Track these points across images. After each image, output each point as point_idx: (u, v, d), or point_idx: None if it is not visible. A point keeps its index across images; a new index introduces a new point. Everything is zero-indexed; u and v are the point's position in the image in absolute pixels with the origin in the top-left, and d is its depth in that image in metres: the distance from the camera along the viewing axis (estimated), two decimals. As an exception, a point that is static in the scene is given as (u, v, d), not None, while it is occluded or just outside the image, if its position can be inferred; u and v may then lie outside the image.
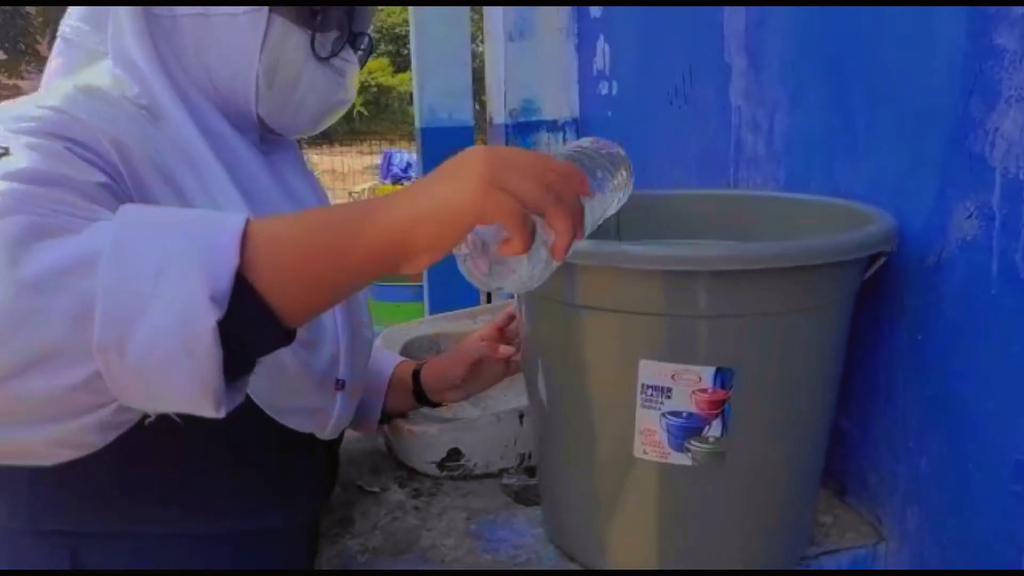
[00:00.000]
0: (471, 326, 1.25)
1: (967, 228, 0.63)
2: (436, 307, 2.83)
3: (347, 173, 12.27)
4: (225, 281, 0.41)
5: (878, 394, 0.74)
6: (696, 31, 1.04)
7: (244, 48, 0.64)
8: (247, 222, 0.43)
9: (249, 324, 0.42)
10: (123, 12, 0.63)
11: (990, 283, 0.61)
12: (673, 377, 0.60)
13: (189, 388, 0.41)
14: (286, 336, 0.46)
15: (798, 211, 0.78)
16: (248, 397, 0.63)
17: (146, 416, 0.45)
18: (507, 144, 1.51)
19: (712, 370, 0.59)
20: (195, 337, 0.40)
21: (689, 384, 0.60)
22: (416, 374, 0.86)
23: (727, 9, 0.96)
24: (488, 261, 0.48)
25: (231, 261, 0.41)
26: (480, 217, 0.44)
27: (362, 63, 0.76)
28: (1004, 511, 0.61)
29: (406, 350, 1.19)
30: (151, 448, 0.54)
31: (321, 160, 12.12)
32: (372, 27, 0.78)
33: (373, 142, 13.79)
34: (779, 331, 0.60)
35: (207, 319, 0.40)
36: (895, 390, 0.72)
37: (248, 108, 0.66)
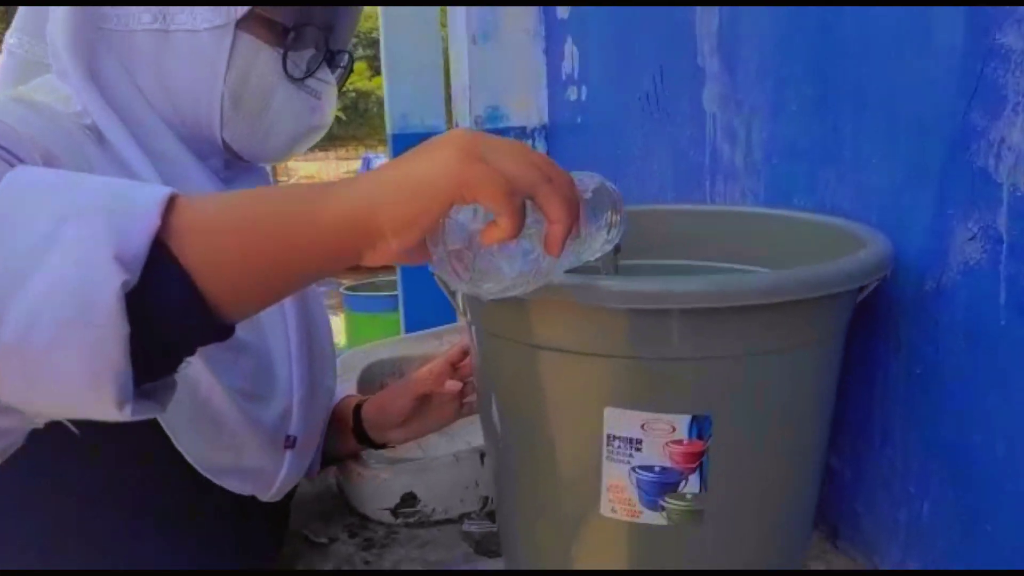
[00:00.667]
0: (439, 348, 1.17)
1: (970, 251, 0.56)
2: (413, 320, 2.73)
3: (326, 179, 12.13)
4: (137, 242, 0.32)
5: (873, 432, 0.66)
6: (667, 31, 0.97)
7: (207, 67, 0.58)
8: (174, 193, 0.35)
9: (169, 305, 0.34)
10: (57, 26, 0.56)
11: (997, 313, 0.54)
12: (643, 427, 0.52)
13: (84, 369, 0.32)
14: (219, 331, 0.37)
15: (780, 229, 0.71)
16: (178, 454, 0.55)
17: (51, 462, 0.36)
18: (473, 153, 1.44)
19: (687, 419, 0.52)
20: (93, 302, 0.31)
21: (661, 435, 0.52)
22: (358, 410, 0.78)
23: (699, 7, 0.89)
24: (468, 256, 0.41)
25: (148, 221, 0.33)
26: (459, 190, 0.37)
27: (341, 83, 0.70)
28: (1017, 566, 0.54)
29: (366, 376, 1.11)
30: (64, 511, 0.47)
31: (299, 166, 11.97)
32: (351, 44, 0.71)
33: (352, 147, 13.67)
34: (762, 372, 0.52)
35: (110, 280, 0.31)
36: (892, 429, 0.65)
37: (212, 132, 0.60)
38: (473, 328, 0.62)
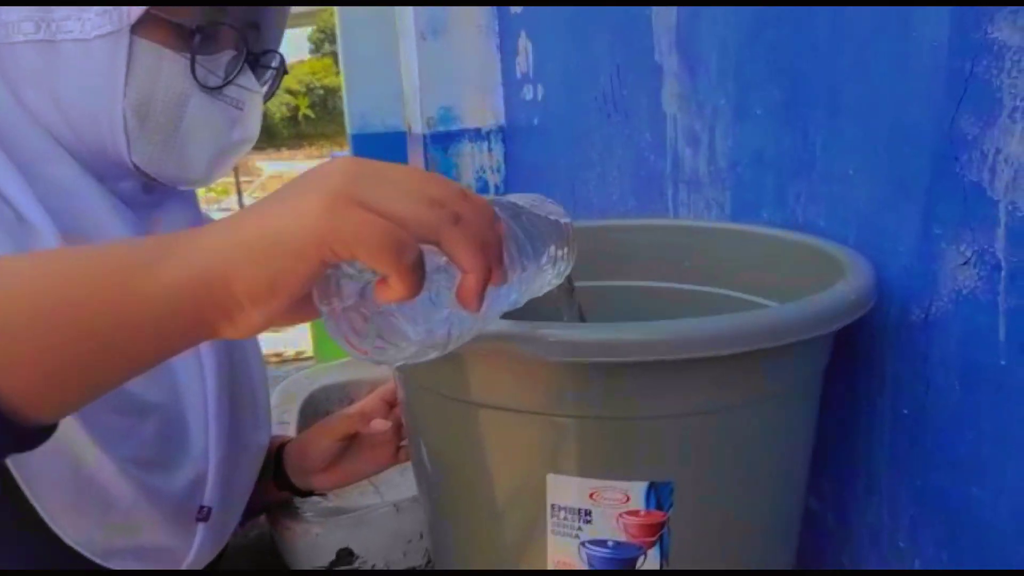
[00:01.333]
0: (392, 373, 1.09)
1: (963, 278, 0.49)
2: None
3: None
4: None
5: (856, 480, 0.59)
6: (623, 25, 0.89)
7: (103, 80, 0.50)
8: None
9: None
10: None
11: (996, 351, 0.47)
12: (592, 496, 0.45)
13: None
14: (23, 435, 0.29)
15: (747, 249, 0.64)
16: (55, 536, 0.47)
17: None
18: (425, 158, 1.35)
19: (644, 486, 0.44)
20: None
21: (614, 505, 0.45)
22: (281, 452, 0.70)
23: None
24: (367, 318, 0.33)
25: None
26: (327, 245, 0.29)
27: (271, 90, 0.61)
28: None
29: (309, 405, 1.02)
30: None
31: (267, 165, 11.75)
32: (280, 44, 0.62)
33: (321, 145, 13.46)
34: (730, 430, 0.45)
35: None
36: (877, 476, 0.58)
37: (118, 154, 0.52)
38: (398, 375, 0.53)
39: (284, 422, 0.95)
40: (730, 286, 0.66)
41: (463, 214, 0.31)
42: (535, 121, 1.25)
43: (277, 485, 0.69)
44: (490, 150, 1.38)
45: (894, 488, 0.56)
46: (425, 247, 0.31)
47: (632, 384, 0.42)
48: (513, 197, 0.42)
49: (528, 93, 1.25)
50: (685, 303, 0.68)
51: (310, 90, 15.53)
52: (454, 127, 1.36)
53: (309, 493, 0.70)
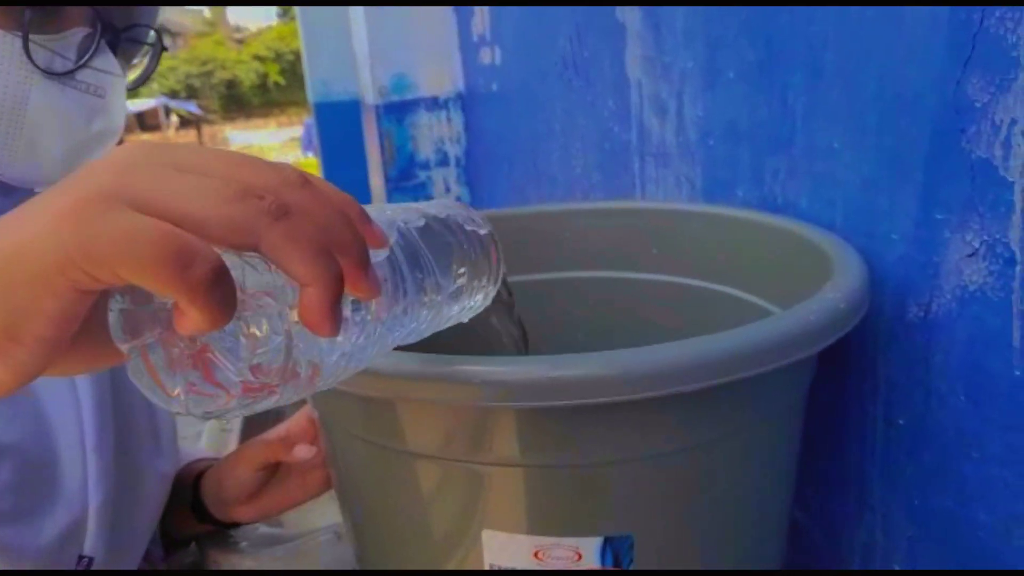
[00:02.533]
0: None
1: (969, 272, 0.41)
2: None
3: (266, 148, 11.67)
4: None
5: (847, 493, 0.53)
6: (581, -19, 0.80)
7: None
8: None
9: None
10: None
11: (1009, 358, 0.40)
12: (537, 555, 0.38)
13: None
14: None
15: (720, 234, 0.56)
16: None
17: None
18: (379, 131, 1.25)
19: (598, 542, 0.37)
20: None
21: (563, 563, 0.38)
22: (199, 480, 0.62)
23: (615, -50, 0.72)
24: (180, 357, 0.25)
25: None
26: (76, 266, 0.21)
27: (146, 73, 0.51)
28: None
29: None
30: None
31: (236, 135, 11.46)
32: (156, 17, 0.53)
33: (293, 113, 13.14)
34: (697, 470, 0.37)
35: None
36: (870, 490, 0.51)
37: None
38: (315, 413, 0.46)
39: (227, 428, 0.87)
40: (701, 276, 0.58)
41: (295, 205, 0.23)
42: (494, 87, 1.15)
43: (196, 517, 0.61)
44: (449, 119, 1.28)
45: (888, 505, 0.50)
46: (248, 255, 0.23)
47: (575, 427, 0.35)
48: (422, 205, 0.34)
49: (486, 56, 1.16)
50: (651, 295, 0.61)
51: (279, 56, 15.08)
52: (409, 96, 1.26)
53: (233, 524, 0.63)
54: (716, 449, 0.37)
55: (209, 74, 15.05)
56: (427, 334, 0.33)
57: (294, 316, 0.24)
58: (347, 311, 0.26)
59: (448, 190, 1.32)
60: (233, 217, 0.22)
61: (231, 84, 14.73)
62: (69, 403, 0.49)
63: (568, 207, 0.66)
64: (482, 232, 0.35)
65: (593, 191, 0.87)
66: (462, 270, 0.33)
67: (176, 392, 0.25)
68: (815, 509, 0.56)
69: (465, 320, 0.35)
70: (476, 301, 0.35)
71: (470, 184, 1.33)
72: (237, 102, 14.77)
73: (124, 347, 0.25)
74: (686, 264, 0.59)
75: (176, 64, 14.95)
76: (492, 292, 0.36)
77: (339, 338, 0.25)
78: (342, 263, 0.24)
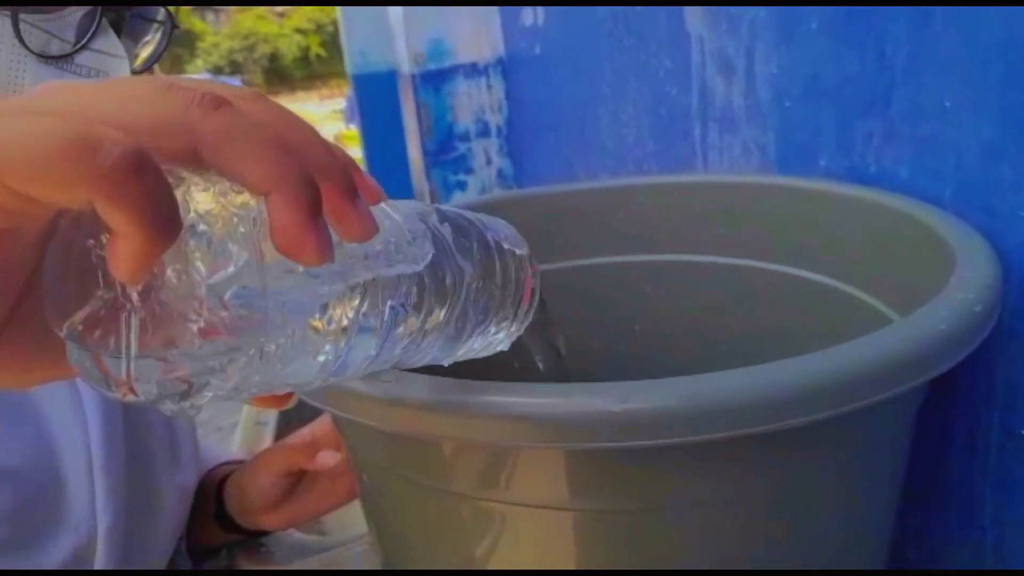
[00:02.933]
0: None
1: None
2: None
3: (310, 121, 11.70)
4: None
5: (948, 508, 0.46)
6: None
7: None
8: None
9: None
10: None
11: None
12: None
13: None
14: None
15: (800, 210, 0.49)
16: None
17: None
18: (416, 103, 1.19)
19: (671, 588, 0.31)
20: None
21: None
22: (222, 488, 0.58)
23: None
24: (121, 322, 0.18)
25: None
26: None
27: (155, 53, 0.47)
28: None
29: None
30: None
31: (281, 109, 11.53)
32: None
33: (334, 85, 13.14)
34: (788, 513, 0.31)
35: None
36: (979, 509, 0.44)
37: None
38: (342, 440, 0.40)
39: (262, 422, 0.83)
40: (776, 259, 0.51)
41: (242, 106, 0.18)
42: (536, 50, 1.08)
43: (222, 527, 0.57)
44: (489, 87, 1.21)
45: (1001, 527, 0.43)
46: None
47: (640, 467, 0.28)
48: (451, 210, 0.27)
49: (528, 17, 1.08)
50: (717, 281, 0.54)
51: (320, 28, 15.05)
52: (446, 63, 1.19)
53: (260, 533, 0.59)
54: (815, 486, 0.30)
55: (251, 48, 15.12)
56: (443, 362, 0.27)
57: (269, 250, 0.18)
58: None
59: (489, 162, 1.25)
60: (159, 113, 0.17)
61: (273, 58, 14.79)
62: (74, 420, 0.44)
63: (619, 183, 0.59)
64: (518, 252, 0.28)
65: (647, 161, 0.80)
66: (495, 298, 0.27)
67: (123, 371, 0.19)
68: (911, 528, 0.49)
69: (487, 353, 0.29)
70: (504, 332, 0.29)
71: (512, 155, 1.26)
72: (280, 75, 14.83)
73: (61, 329, 0.19)
74: (759, 246, 0.52)
75: (219, 40, 15.08)
76: (523, 323, 0.30)
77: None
78: (321, 187, 0.18)
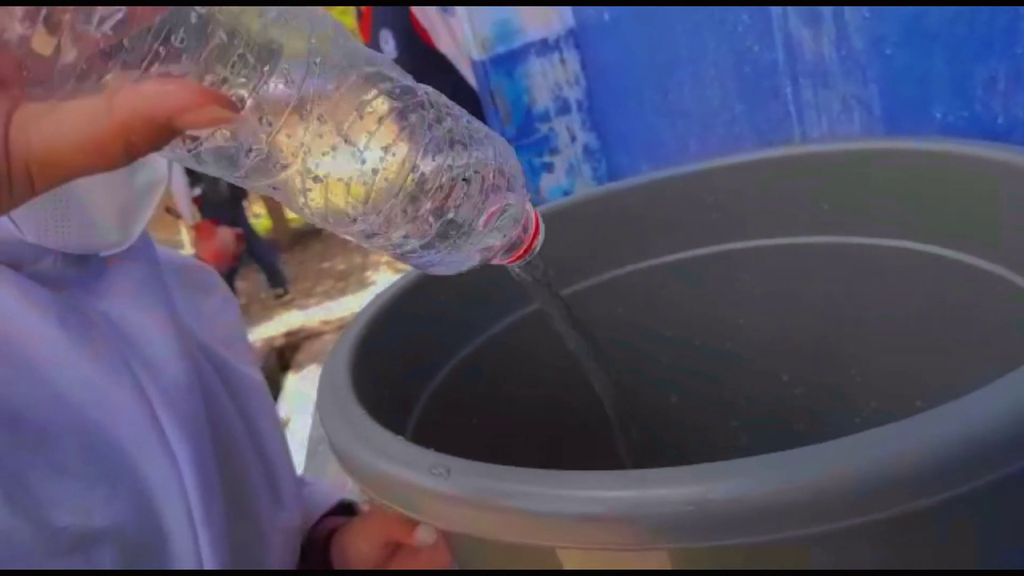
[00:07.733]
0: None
1: None
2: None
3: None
4: None
5: None
6: None
7: None
8: None
9: None
10: None
11: None
12: None
13: None
14: None
15: (917, 177, 0.42)
16: None
17: None
18: (490, 92, 1.16)
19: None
20: None
21: None
22: (328, 545, 0.57)
23: None
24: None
25: None
26: None
27: None
28: None
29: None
30: None
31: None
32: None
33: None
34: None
35: None
36: None
37: (9, 232, 0.40)
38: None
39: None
40: (899, 233, 0.45)
41: None
42: (606, 16, 1.01)
43: None
44: (563, 61, 1.16)
45: None
46: None
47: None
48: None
49: (592, -18, 1.02)
50: (832, 268, 0.48)
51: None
52: (516, 43, 1.14)
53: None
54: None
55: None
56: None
57: None
58: None
59: (574, 139, 1.20)
60: None
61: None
62: (170, 473, 0.44)
63: (706, 165, 0.54)
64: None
65: (736, 124, 0.73)
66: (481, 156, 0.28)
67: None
68: None
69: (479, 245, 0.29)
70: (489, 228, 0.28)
71: (597, 129, 1.21)
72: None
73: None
74: (873, 220, 0.46)
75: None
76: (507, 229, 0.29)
77: None
78: None
